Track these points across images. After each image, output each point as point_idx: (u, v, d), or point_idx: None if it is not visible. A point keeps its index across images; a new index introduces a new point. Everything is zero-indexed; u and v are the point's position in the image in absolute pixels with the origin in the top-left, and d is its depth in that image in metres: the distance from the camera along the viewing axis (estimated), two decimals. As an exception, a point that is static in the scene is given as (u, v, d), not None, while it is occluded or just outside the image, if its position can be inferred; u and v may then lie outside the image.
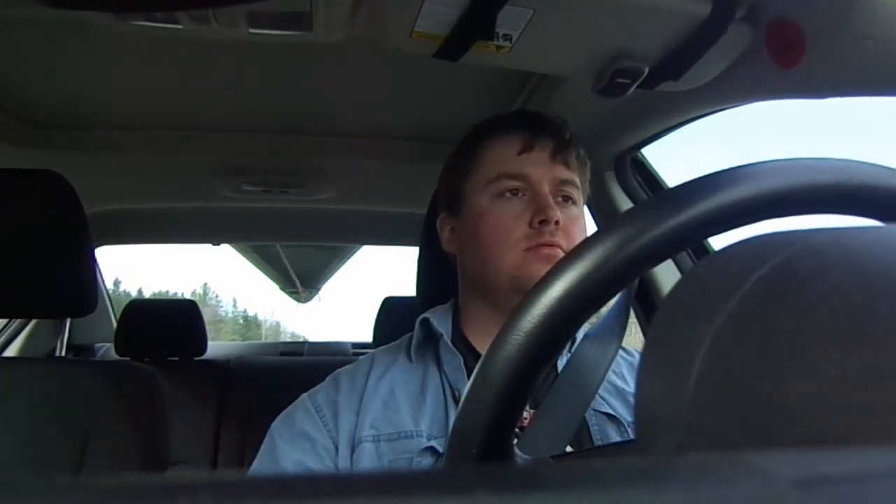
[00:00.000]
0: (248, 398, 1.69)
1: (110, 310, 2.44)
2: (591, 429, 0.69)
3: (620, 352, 0.75)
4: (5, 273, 0.85)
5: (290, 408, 0.74)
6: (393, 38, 0.69)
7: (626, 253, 0.32)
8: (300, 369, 1.79)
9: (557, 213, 0.71)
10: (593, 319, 0.76)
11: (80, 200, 0.90)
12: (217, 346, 2.22)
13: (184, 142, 1.31)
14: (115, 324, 2.15)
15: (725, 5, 0.66)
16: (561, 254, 0.70)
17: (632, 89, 0.77)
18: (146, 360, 1.73)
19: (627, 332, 0.73)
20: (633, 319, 0.88)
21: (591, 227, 0.86)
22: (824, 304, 0.19)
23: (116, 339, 1.77)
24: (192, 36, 0.66)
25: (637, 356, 0.80)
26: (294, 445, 0.69)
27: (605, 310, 0.76)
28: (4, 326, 1.88)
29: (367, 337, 1.81)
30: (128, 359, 1.74)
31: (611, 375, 0.73)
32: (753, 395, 0.19)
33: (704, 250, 1.11)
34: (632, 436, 0.68)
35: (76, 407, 0.85)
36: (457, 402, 0.70)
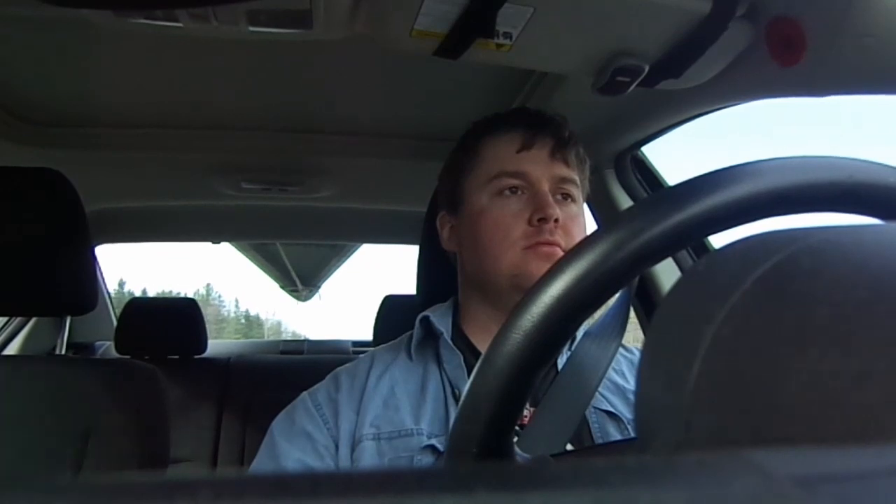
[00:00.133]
0: (249, 396, 1.69)
1: (110, 308, 2.44)
2: (591, 427, 0.69)
3: (621, 349, 0.75)
4: (5, 271, 0.85)
5: (290, 406, 0.74)
6: (393, 36, 0.69)
7: (626, 251, 0.32)
8: (300, 368, 1.79)
9: (557, 212, 0.71)
10: (595, 316, 0.76)
11: (80, 198, 0.90)
12: (217, 344, 2.22)
13: (183, 140, 1.31)
14: (115, 322, 2.15)
15: (726, 3, 0.66)
16: (560, 252, 0.70)
17: (632, 87, 0.77)
18: (146, 358, 1.72)
19: (627, 330, 0.73)
20: (632, 317, 0.88)
21: (591, 226, 0.86)
22: (824, 302, 0.19)
23: (117, 337, 1.77)
24: (191, 34, 0.66)
25: (637, 354, 0.80)
26: (294, 444, 0.69)
27: (605, 308, 0.76)
28: (5, 324, 1.88)
29: (368, 335, 1.81)
30: (128, 357, 1.74)
31: (611, 373, 0.73)
32: (753, 393, 0.19)
33: (704, 248, 1.12)
34: (632, 434, 0.68)
35: (76, 405, 0.85)
36: (457, 400, 0.70)
